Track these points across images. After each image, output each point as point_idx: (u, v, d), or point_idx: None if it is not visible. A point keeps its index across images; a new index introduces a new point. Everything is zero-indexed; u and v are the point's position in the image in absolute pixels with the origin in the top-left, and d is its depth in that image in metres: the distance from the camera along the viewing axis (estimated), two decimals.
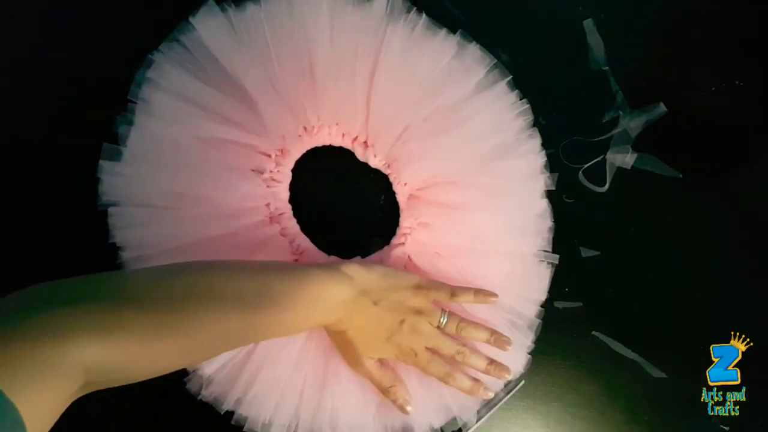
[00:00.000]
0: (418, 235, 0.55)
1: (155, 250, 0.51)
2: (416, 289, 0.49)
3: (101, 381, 0.35)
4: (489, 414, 0.54)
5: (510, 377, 0.52)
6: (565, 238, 0.57)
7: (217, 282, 0.41)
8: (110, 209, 0.51)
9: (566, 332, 0.56)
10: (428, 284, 0.50)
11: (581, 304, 0.56)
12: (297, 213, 0.56)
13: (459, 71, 0.55)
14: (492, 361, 0.50)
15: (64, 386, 0.32)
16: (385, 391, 0.50)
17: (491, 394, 0.51)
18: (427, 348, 0.49)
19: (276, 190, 0.55)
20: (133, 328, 0.35)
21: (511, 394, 0.55)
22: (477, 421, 0.54)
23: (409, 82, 0.54)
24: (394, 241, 0.56)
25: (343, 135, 0.56)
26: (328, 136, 0.56)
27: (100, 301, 0.35)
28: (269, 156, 0.55)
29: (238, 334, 0.42)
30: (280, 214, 0.55)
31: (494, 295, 0.50)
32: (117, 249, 0.52)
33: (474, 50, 0.55)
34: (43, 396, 0.30)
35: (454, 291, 0.50)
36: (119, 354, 0.34)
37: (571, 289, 0.56)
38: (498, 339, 0.50)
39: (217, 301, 0.40)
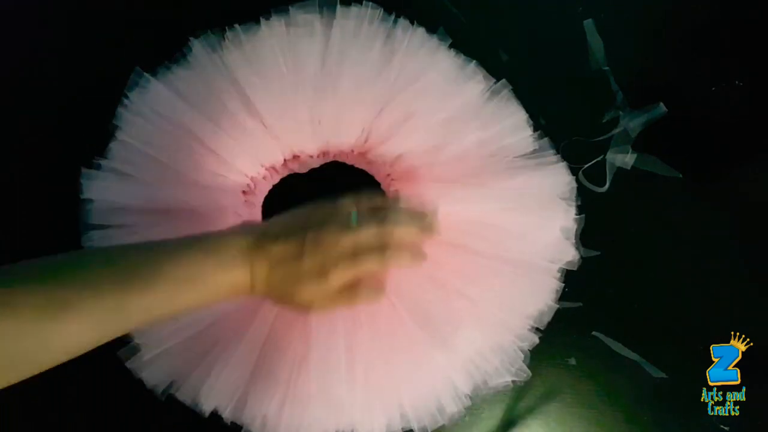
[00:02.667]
0: None
1: None
2: (316, 207, 0.43)
3: None
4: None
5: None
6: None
7: (98, 262, 0.38)
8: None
9: (566, 332, 0.56)
10: (331, 201, 0.43)
11: (581, 304, 0.56)
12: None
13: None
14: (419, 215, 0.43)
15: None
16: (352, 303, 0.43)
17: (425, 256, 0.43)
18: (347, 255, 0.41)
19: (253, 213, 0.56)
20: (7, 321, 0.33)
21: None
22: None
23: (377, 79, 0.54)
24: None
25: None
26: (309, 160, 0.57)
27: None
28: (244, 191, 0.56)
29: (121, 313, 0.37)
30: None
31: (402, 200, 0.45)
32: None
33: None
34: None
35: (359, 197, 0.43)
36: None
37: (571, 289, 0.56)
38: (423, 218, 0.43)
39: (97, 279, 0.37)
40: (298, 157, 0.57)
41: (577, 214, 0.55)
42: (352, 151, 0.56)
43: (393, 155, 0.55)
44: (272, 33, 0.54)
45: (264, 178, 0.57)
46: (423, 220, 0.43)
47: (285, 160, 0.57)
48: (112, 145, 0.54)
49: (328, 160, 0.58)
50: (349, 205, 0.43)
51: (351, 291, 0.42)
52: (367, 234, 0.41)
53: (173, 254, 0.40)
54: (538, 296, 0.54)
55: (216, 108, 0.54)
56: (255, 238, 0.41)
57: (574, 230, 0.54)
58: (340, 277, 0.41)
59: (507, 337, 0.53)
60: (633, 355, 0.56)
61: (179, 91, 0.54)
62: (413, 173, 0.55)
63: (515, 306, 0.53)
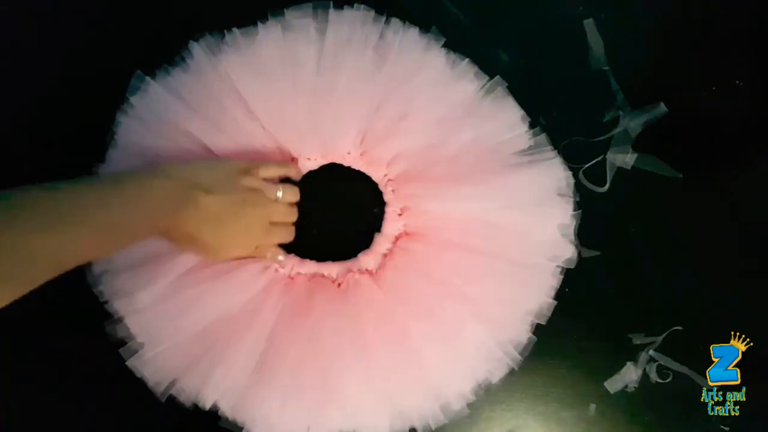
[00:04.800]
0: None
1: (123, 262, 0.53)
2: (245, 171, 0.50)
3: None
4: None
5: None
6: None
7: (18, 207, 0.37)
8: None
9: (566, 332, 0.56)
10: (252, 164, 0.51)
11: (581, 303, 0.56)
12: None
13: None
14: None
15: None
16: (258, 253, 0.53)
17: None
18: (272, 223, 0.52)
19: None
20: None
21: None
22: None
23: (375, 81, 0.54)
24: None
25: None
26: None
27: None
28: None
29: (50, 255, 0.37)
30: None
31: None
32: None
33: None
34: None
35: (280, 164, 0.54)
36: None
37: (572, 289, 0.56)
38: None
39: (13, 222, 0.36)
40: (296, 159, 0.57)
41: (574, 210, 0.55)
42: (349, 153, 0.57)
43: (389, 156, 0.55)
44: (269, 37, 0.55)
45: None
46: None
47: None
48: (111, 151, 0.54)
49: (325, 162, 0.58)
50: (272, 170, 0.53)
51: (260, 248, 0.53)
52: (290, 215, 0.54)
53: (98, 196, 0.41)
54: (536, 293, 0.54)
55: (216, 111, 0.54)
56: (184, 185, 0.45)
57: (572, 227, 0.54)
58: (264, 242, 0.52)
59: (507, 334, 0.53)
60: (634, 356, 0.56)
61: (178, 95, 0.54)
62: (410, 173, 0.55)
63: (514, 303, 0.53)
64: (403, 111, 0.54)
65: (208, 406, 0.51)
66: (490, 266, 0.53)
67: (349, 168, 0.58)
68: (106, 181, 0.45)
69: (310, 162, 0.57)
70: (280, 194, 0.52)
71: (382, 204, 0.57)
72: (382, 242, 0.55)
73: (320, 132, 0.55)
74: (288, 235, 0.54)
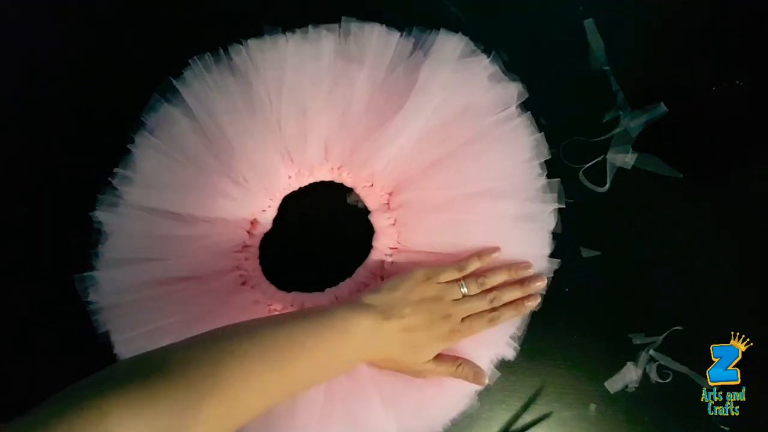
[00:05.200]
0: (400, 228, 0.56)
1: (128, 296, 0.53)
2: (426, 281, 0.50)
3: None
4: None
5: (544, 283, 0.54)
6: (565, 238, 0.57)
7: (244, 341, 0.42)
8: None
9: (566, 332, 0.56)
10: (434, 271, 0.51)
11: (581, 303, 0.56)
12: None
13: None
14: (521, 282, 0.53)
15: None
16: (456, 375, 0.52)
17: (536, 300, 0.53)
18: (464, 318, 0.51)
19: (249, 258, 0.57)
20: (168, 401, 0.36)
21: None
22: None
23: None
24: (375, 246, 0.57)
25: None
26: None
27: (131, 380, 0.35)
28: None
29: (272, 389, 0.42)
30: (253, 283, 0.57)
31: (496, 249, 0.53)
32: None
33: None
34: None
35: (460, 266, 0.52)
36: (158, 427, 0.35)
37: (571, 289, 0.56)
38: (517, 270, 0.53)
39: (244, 359, 0.40)
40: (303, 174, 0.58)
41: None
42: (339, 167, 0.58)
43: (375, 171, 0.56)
44: (275, 50, 0.56)
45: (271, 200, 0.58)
46: (518, 272, 0.53)
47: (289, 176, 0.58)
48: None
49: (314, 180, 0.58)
50: (452, 272, 0.51)
51: (458, 369, 0.51)
52: (481, 304, 0.51)
53: (310, 332, 0.45)
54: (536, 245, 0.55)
55: (222, 134, 0.55)
56: (381, 317, 0.47)
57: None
58: (459, 338, 0.51)
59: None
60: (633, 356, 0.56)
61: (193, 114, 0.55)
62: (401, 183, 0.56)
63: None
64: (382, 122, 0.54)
65: None
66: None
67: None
68: (315, 314, 0.47)
69: (294, 179, 0.58)
70: (464, 290, 0.51)
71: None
72: (362, 272, 0.56)
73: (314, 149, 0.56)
74: (485, 324, 0.52)
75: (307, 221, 0.59)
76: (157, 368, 0.37)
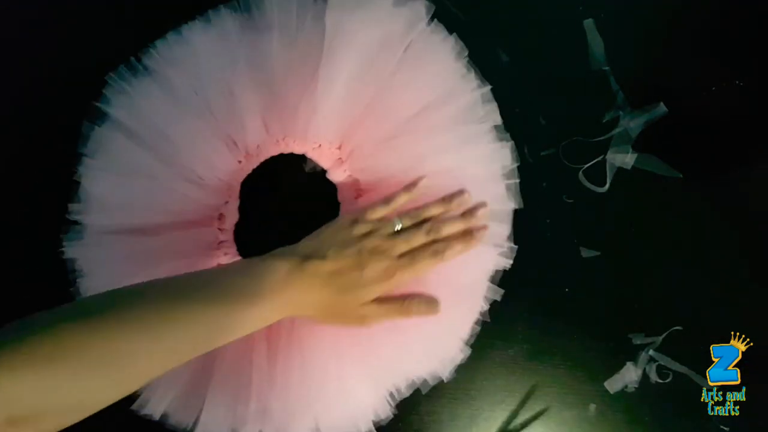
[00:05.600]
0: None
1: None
2: (352, 222, 0.48)
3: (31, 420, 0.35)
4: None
5: (487, 210, 0.51)
6: (565, 238, 0.57)
7: (146, 302, 0.40)
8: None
9: (566, 332, 0.56)
10: (360, 212, 0.49)
11: (581, 303, 0.56)
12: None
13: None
14: (464, 213, 0.50)
15: None
16: (406, 313, 0.48)
17: (485, 230, 0.50)
18: (401, 255, 0.47)
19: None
20: (68, 358, 0.35)
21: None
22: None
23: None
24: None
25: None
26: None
27: (35, 333, 0.35)
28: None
29: (183, 342, 0.41)
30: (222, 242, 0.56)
31: (422, 177, 0.50)
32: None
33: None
34: None
35: (387, 200, 0.49)
36: (52, 383, 0.35)
37: (571, 289, 0.56)
38: (451, 199, 0.50)
39: (141, 322, 0.39)
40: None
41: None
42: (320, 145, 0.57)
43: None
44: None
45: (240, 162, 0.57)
46: (453, 201, 0.50)
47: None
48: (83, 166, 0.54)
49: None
50: (379, 209, 0.49)
51: (405, 303, 0.48)
52: (418, 235, 0.48)
53: (227, 277, 0.43)
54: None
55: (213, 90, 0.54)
56: (298, 260, 0.45)
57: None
58: (404, 278, 0.47)
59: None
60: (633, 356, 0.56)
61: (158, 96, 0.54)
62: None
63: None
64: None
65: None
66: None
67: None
68: (227, 265, 0.47)
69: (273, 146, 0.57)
70: (398, 226, 0.48)
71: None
72: None
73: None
74: (429, 258, 0.48)
75: (272, 200, 0.58)
76: (68, 323, 0.37)
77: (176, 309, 0.40)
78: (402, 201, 0.50)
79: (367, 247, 0.47)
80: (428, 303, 0.49)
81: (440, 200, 0.50)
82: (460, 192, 0.51)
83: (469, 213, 0.51)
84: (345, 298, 0.46)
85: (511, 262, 0.54)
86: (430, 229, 0.48)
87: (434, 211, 0.50)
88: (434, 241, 0.49)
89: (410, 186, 0.50)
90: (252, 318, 0.43)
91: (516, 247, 0.54)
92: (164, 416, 0.51)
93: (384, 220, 0.49)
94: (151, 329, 0.39)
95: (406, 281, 0.48)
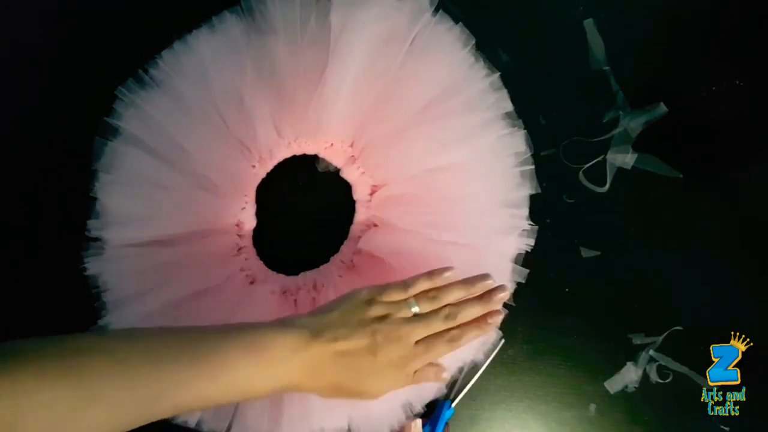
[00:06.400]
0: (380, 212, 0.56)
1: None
2: (368, 301, 0.45)
3: None
4: (475, 377, 0.54)
5: (506, 295, 0.47)
6: (565, 238, 0.57)
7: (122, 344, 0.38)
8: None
9: (566, 332, 0.56)
10: (378, 290, 0.46)
11: (581, 303, 0.56)
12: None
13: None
14: (481, 297, 0.46)
15: None
16: (413, 382, 0.47)
17: (500, 316, 0.47)
18: (417, 342, 0.45)
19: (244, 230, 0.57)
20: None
21: (494, 354, 0.55)
22: (463, 388, 0.54)
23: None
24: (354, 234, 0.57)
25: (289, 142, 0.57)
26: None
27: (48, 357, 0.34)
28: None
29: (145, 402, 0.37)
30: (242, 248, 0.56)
31: (449, 269, 0.47)
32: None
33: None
34: None
35: (406, 284, 0.46)
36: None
37: (571, 289, 0.56)
38: (474, 282, 0.47)
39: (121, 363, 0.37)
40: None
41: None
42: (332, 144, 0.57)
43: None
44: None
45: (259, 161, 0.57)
46: (475, 286, 0.47)
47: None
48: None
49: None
50: (397, 291, 0.46)
51: (418, 373, 0.46)
52: (436, 322, 0.45)
53: (216, 350, 0.39)
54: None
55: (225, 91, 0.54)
56: (306, 336, 0.42)
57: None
58: (417, 366, 0.45)
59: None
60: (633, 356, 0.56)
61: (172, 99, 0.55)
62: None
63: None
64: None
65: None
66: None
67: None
68: (231, 330, 0.42)
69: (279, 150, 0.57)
70: (415, 309, 0.45)
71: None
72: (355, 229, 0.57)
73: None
74: (444, 346, 0.45)
75: (288, 203, 0.59)
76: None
77: (161, 377, 0.38)
78: (422, 288, 0.46)
79: (382, 332, 0.44)
80: (436, 371, 0.47)
81: (462, 283, 0.47)
82: (484, 276, 0.47)
83: (487, 296, 0.47)
84: (351, 381, 0.44)
85: (533, 242, 0.54)
86: (448, 314, 0.45)
87: (455, 295, 0.46)
88: (450, 327, 0.46)
89: (434, 274, 0.47)
90: (246, 395, 0.42)
91: (537, 227, 0.55)
92: (200, 422, 0.51)
93: (400, 303, 0.46)
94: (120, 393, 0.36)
95: (417, 368, 0.46)
